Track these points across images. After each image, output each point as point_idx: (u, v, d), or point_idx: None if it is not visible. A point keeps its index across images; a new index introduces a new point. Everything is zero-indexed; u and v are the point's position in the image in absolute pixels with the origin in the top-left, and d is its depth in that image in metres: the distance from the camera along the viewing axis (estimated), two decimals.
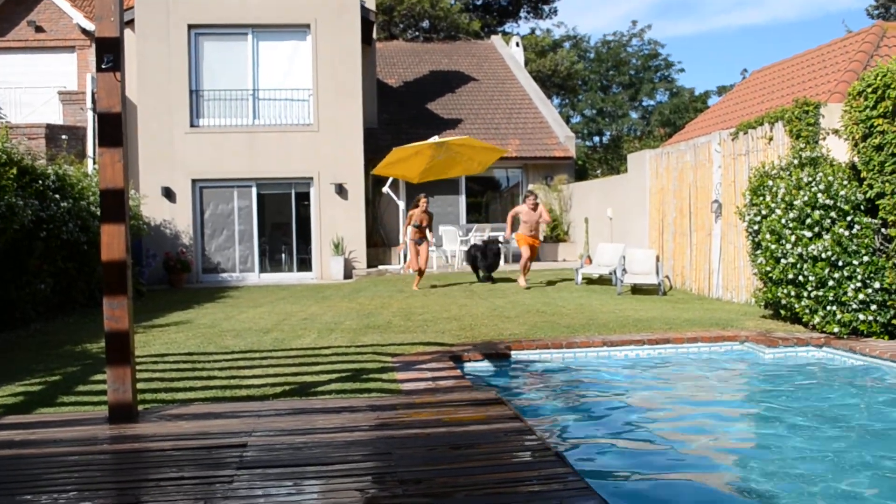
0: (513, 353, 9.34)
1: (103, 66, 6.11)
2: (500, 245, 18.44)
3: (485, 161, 18.59)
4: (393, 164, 18.19)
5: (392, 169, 18.62)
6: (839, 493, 5.12)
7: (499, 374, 8.87)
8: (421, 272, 17.19)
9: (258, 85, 21.76)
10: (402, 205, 22.66)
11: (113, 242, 6.07)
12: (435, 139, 17.92)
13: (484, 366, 8.99)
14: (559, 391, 8.07)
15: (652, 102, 53.83)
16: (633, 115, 53.24)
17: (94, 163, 20.93)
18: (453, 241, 22.05)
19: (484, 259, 18.19)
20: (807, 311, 10.31)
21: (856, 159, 10.39)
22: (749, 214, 11.37)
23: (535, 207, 16.72)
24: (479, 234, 22.06)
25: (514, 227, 17.59)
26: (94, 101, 22.40)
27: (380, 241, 24.14)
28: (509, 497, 4.16)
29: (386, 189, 21.59)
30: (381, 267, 22.38)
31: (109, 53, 6.11)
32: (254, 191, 21.68)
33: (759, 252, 11.11)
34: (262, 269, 21.90)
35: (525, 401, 7.64)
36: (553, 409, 7.32)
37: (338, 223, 21.55)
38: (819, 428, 6.59)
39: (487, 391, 7.03)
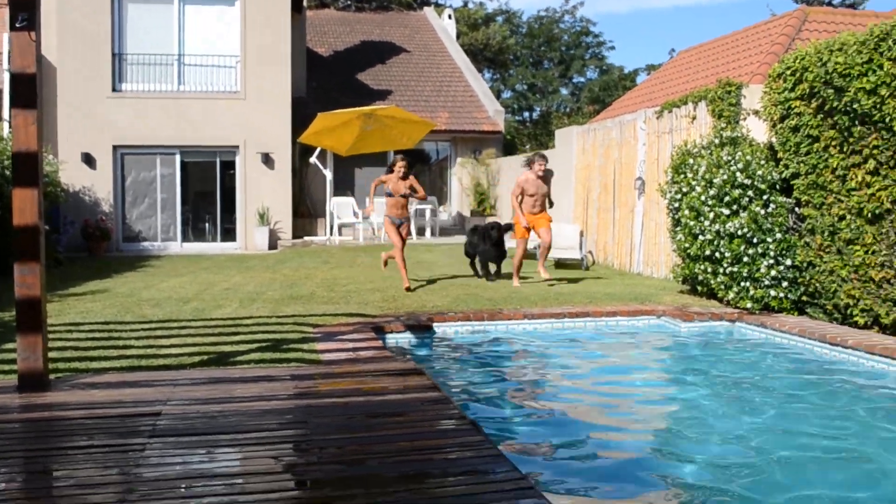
0: (435, 325, 9.39)
1: (17, 25, 5.89)
2: (504, 226, 13.62)
3: (414, 136, 18.52)
4: (321, 133, 17.97)
5: (320, 139, 18.40)
6: (749, 449, 5.37)
7: (420, 345, 8.91)
8: (403, 262, 12.51)
9: (184, 50, 21.26)
10: (329, 175, 22.45)
11: (25, 207, 5.89)
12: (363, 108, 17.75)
13: (406, 337, 9.02)
14: (479, 362, 8.16)
15: (582, 79, 54.33)
16: (564, 91, 53.67)
17: (10, 126, 20.25)
18: (380, 213, 21.96)
19: (489, 246, 13.39)
20: (722, 286, 10.58)
21: (773, 140, 10.66)
22: (670, 192, 11.59)
23: (543, 174, 12.70)
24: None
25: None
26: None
27: (306, 212, 23.92)
28: (423, 464, 4.20)
29: (313, 159, 21.38)
30: (306, 238, 22.20)
31: (24, 12, 5.88)
32: (177, 158, 21.25)
33: (678, 229, 11.35)
34: (185, 239, 21.52)
35: (445, 371, 7.70)
36: (472, 380, 7.40)
37: (263, 193, 21.28)
38: (731, 398, 6.81)
39: (407, 362, 7.07)
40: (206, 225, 21.79)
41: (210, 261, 17.82)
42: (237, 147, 21.29)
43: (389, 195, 12.48)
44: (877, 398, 6.83)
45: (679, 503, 4.59)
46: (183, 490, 3.78)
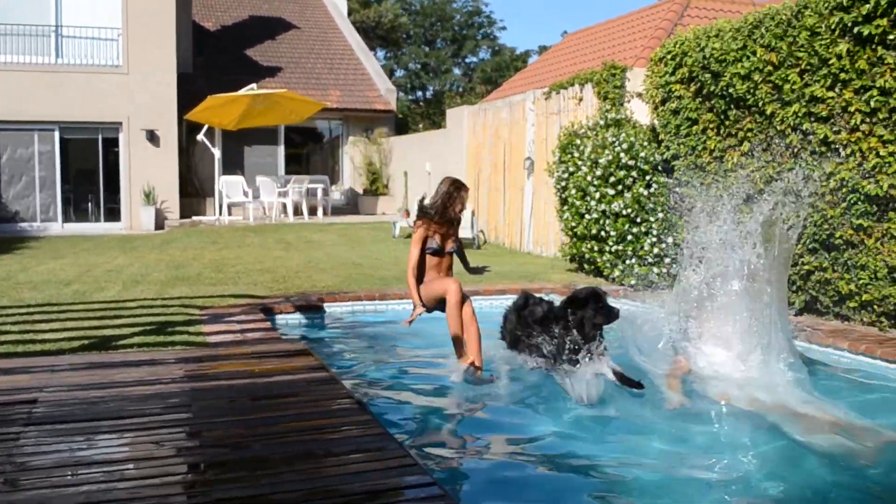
0: (325, 305, 9.34)
1: None
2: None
3: (303, 112, 18.32)
4: (208, 110, 17.63)
5: (207, 116, 18.05)
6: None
7: (311, 326, 8.86)
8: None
9: (61, 21, 20.38)
10: (217, 153, 21.93)
11: None
12: (253, 88, 17.49)
13: (296, 318, 8.95)
14: (370, 342, 8.17)
15: (475, 59, 54.64)
16: (457, 71, 53.89)
17: None
18: (271, 192, 21.65)
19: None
20: (608, 264, 10.88)
21: (655, 122, 10.98)
22: (557, 172, 11.81)
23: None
24: (298, 185, 21.75)
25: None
26: None
27: (194, 191, 23.36)
28: (309, 445, 4.19)
29: (201, 137, 20.86)
30: (195, 218, 21.69)
31: None
32: (56, 135, 20.41)
33: (565, 208, 11.59)
34: (66, 219, 20.74)
35: (335, 352, 7.69)
36: (361, 360, 7.41)
37: (149, 171, 20.66)
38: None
39: (295, 342, 7.02)
40: (89, 205, 21.04)
41: (93, 242, 17.23)
42: (120, 124, 20.58)
43: (437, 252, 7.08)
44: None
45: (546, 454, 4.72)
46: (67, 477, 3.68)
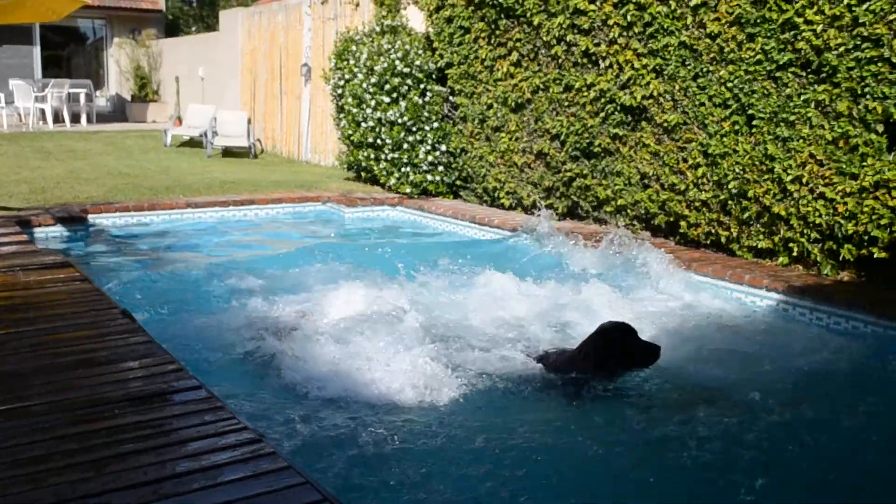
0: (90, 216, 8.85)
1: None
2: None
3: (60, 10, 16.87)
4: None
5: None
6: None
7: (74, 239, 8.39)
8: None
9: None
10: None
11: None
12: None
13: (57, 231, 8.43)
14: (138, 254, 7.87)
15: None
16: None
17: None
18: (27, 97, 19.96)
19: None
20: (384, 173, 11.00)
21: (430, 30, 11.06)
22: (334, 79, 11.69)
23: None
24: (58, 90, 20.17)
25: None
26: None
27: None
28: (72, 356, 4.04)
29: None
30: None
31: None
32: None
33: (342, 116, 11.53)
34: None
35: (100, 264, 7.35)
36: (128, 271, 7.14)
37: None
38: (392, 273, 7.20)
39: (55, 254, 6.63)
40: None
41: None
42: None
43: None
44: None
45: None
46: None
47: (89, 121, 21.26)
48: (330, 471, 3.50)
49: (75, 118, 20.79)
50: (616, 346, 4.76)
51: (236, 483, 2.76)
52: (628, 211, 8.59)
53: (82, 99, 21.06)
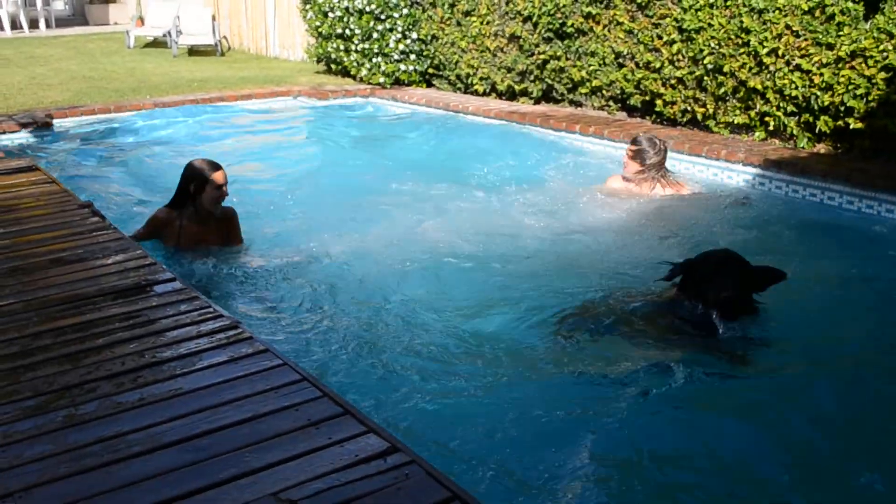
0: (55, 121, 8.64)
1: None
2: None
3: None
4: None
5: None
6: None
7: (40, 144, 8.20)
8: None
9: None
10: None
11: None
12: None
13: (22, 136, 8.23)
14: (105, 156, 7.71)
15: None
16: None
17: None
18: None
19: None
20: (355, 64, 10.75)
21: None
22: None
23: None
24: None
25: None
26: None
27: None
28: (45, 255, 3.98)
29: None
30: None
31: None
32: None
33: (308, 7, 11.20)
34: None
35: (68, 166, 7.21)
36: (98, 172, 7.03)
37: None
38: (367, 166, 7.15)
39: (21, 159, 6.48)
40: None
41: None
42: None
43: None
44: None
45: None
46: None
47: (48, 26, 20.56)
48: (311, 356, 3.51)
49: (33, 24, 20.11)
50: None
51: (215, 367, 2.75)
52: (603, 92, 8.47)
53: (39, 3, 20.32)
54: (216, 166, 4.57)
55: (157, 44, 16.24)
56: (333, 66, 11.38)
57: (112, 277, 3.63)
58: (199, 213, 4.62)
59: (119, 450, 2.30)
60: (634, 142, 6.12)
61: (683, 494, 2.69)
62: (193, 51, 15.07)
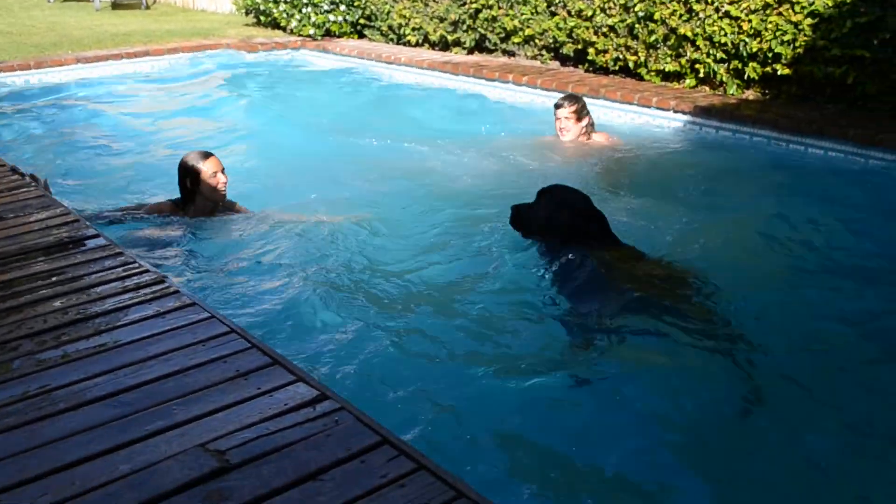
0: None
1: None
2: None
3: None
4: None
5: None
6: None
7: None
8: None
9: None
10: None
11: None
12: None
13: None
14: (26, 113, 7.46)
15: None
16: None
17: None
18: None
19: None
20: (284, 15, 10.54)
21: None
22: None
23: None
24: None
25: None
26: None
27: None
28: None
29: None
30: None
31: None
32: None
33: None
34: None
35: None
36: (17, 131, 6.81)
37: None
38: (301, 121, 7.05)
39: None
40: None
41: None
42: None
43: None
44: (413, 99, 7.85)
45: None
46: None
47: None
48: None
49: None
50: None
51: (141, 322, 2.68)
52: (536, 41, 8.44)
53: None
54: (207, 155, 4.43)
55: None
56: (262, 18, 11.15)
57: (34, 235, 3.52)
58: (205, 207, 4.48)
59: (43, 407, 2.25)
60: (572, 99, 5.99)
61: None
62: (117, 4, 14.59)
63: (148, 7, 14.36)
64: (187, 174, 4.41)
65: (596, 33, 7.73)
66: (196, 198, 4.44)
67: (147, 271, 3.09)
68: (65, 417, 2.20)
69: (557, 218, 3.80)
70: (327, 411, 2.17)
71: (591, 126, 6.04)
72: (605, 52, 7.71)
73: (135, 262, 3.20)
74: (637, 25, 7.31)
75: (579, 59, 8.12)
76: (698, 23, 6.84)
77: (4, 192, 4.17)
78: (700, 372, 3.07)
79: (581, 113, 5.92)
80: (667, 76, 7.40)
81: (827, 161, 5.74)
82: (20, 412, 2.23)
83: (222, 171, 4.43)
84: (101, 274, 3.11)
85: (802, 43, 6.27)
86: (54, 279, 3.08)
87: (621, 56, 7.59)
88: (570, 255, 3.61)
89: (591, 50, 7.81)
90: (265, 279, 3.76)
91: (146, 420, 2.16)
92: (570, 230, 3.76)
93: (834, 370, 3.13)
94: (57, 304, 2.86)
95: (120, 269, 3.13)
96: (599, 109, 6.83)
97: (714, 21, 6.73)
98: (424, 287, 3.73)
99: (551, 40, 8.22)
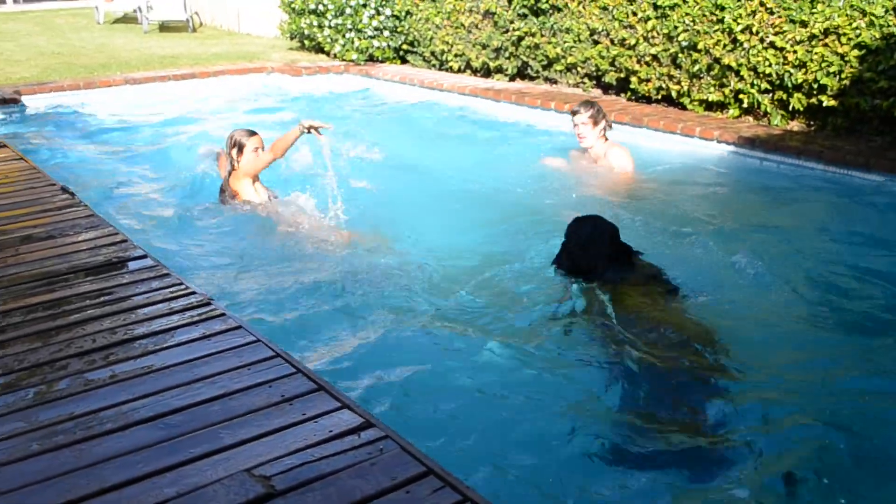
0: (24, 97, 8.52)
1: None
2: None
3: None
4: None
5: None
6: None
7: (9, 121, 8.11)
8: None
9: None
10: None
11: None
12: None
13: None
14: (76, 132, 7.62)
15: None
16: None
17: None
18: None
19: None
20: (328, 40, 10.66)
21: None
22: None
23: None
24: None
25: None
26: None
27: None
28: (14, 233, 3.91)
29: None
30: None
31: None
32: None
33: None
34: None
35: (37, 144, 7.10)
36: (67, 150, 6.93)
37: None
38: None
39: None
40: None
41: None
42: None
43: None
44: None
45: None
46: None
47: (15, 0, 20.23)
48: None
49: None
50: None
51: (188, 345, 2.72)
52: (578, 69, 8.45)
53: None
54: (252, 133, 5.09)
55: (127, 19, 16.04)
56: (307, 43, 11.28)
57: (83, 254, 3.59)
58: (238, 177, 5.05)
59: (91, 427, 2.28)
60: (588, 105, 6.00)
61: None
62: (164, 26, 14.88)
63: (195, 30, 14.61)
64: (234, 146, 5.01)
65: (639, 62, 7.72)
66: (235, 169, 5.04)
67: (194, 293, 3.13)
68: (111, 438, 2.23)
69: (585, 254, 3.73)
70: (372, 439, 2.17)
71: (608, 127, 6.04)
72: (648, 80, 7.69)
73: (181, 283, 3.24)
74: (680, 55, 7.29)
75: (622, 87, 8.11)
76: (742, 53, 6.80)
77: (54, 211, 4.26)
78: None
79: (597, 117, 5.95)
80: (710, 106, 7.36)
81: (876, 194, 5.65)
82: (68, 431, 2.27)
83: (263, 148, 5.03)
84: (149, 295, 3.15)
85: (849, 75, 6.20)
86: (102, 299, 3.13)
87: (664, 85, 7.57)
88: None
89: (633, 78, 7.80)
90: (312, 304, 3.78)
91: (192, 443, 2.18)
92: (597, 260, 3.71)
93: None
94: (105, 324, 2.90)
95: (167, 291, 3.17)
96: (642, 139, 6.82)
97: (759, 51, 6.68)
98: (479, 321, 3.68)
99: (594, 68, 8.22)
